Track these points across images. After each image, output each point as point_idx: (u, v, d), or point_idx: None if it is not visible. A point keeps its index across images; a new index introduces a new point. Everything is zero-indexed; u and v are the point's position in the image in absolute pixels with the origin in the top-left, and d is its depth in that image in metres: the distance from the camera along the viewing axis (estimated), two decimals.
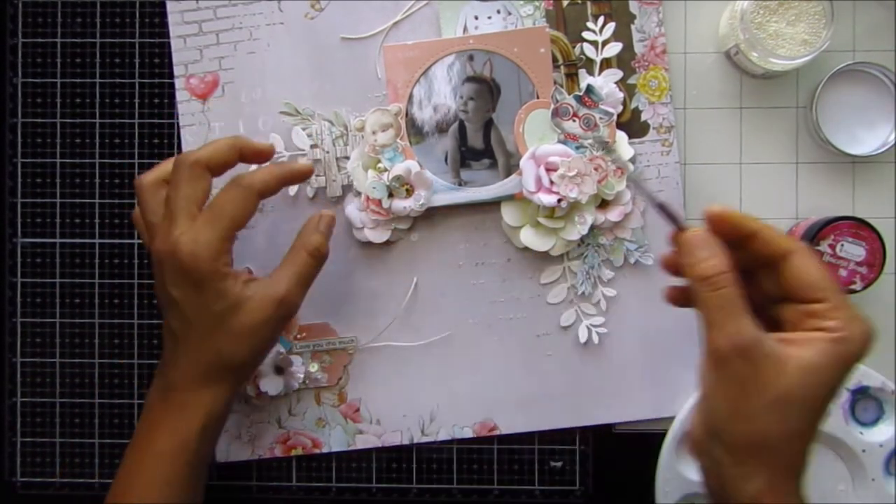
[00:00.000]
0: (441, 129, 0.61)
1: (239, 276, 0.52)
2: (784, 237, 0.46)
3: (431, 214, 0.62)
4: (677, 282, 0.48)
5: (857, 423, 0.61)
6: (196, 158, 0.52)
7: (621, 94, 0.60)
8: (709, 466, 0.45)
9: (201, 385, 0.52)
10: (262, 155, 0.56)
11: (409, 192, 0.60)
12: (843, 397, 0.60)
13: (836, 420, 0.60)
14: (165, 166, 0.54)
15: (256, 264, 0.62)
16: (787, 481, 0.43)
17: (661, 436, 0.61)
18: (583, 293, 0.62)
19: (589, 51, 0.61)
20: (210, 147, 0.53)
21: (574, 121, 0.60)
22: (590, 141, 0.59)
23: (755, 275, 0.46)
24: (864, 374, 0.60)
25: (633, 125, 0.61)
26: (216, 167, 0.53)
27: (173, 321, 0.52)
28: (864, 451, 0.60)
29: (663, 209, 0.47)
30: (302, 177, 0.57)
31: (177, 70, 0.62)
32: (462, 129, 0.61)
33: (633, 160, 0.61)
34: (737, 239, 0.46)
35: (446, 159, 0.61)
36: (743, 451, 0.43)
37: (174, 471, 0.52)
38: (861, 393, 0.60)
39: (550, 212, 0.60)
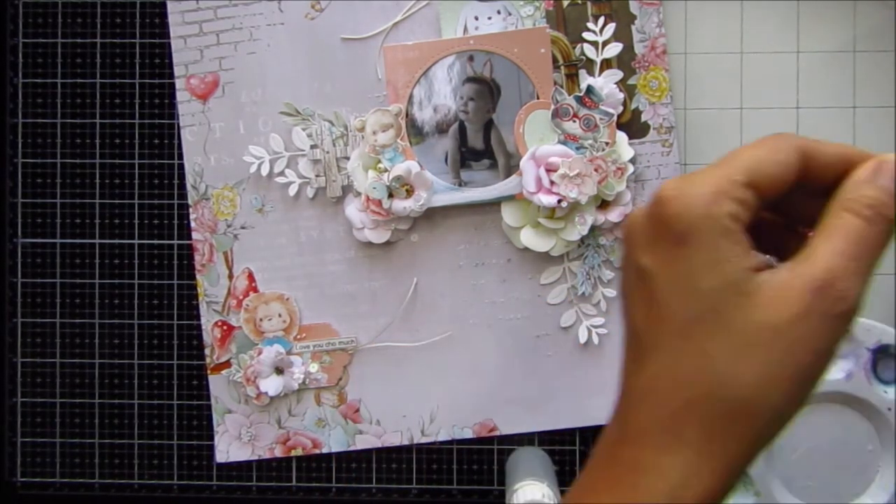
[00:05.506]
0: (441, 129, 0.61)
1: (748, 247, 0.33)
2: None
3: (431, 215, 0.62)
4: None
5: (880, 381, 0.60)
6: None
7: (621, 95, 0.60)
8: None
9: (669, 435, 0.33)
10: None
11: (409, 193, 0.60)
12: (864, 357, 0.60)
13: (858, 380, 0.60)
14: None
15: (256, 265, 0.62)
16: None
17: None
18: (583, 294, 0.62)
19: (589, 51, 0.61)
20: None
21: (574, 121, 0.60)
22: (590, 141, 0.60)
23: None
24: (883, 332, 0.60)
25: (633, 126, 0.61)
26: (765, 186, 0.34)
27: (638, 313, 0.35)
28: (889, 409, 0.60)
29: None
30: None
31: (177, 70, 0.62)
32: (462, 130, 0.61)
33: (633, 161, 0.61)
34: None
35: (446, 160, 0.61)
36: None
37: None
38: (881, 352, 0.60)
39: (550, 212, 0.60)
